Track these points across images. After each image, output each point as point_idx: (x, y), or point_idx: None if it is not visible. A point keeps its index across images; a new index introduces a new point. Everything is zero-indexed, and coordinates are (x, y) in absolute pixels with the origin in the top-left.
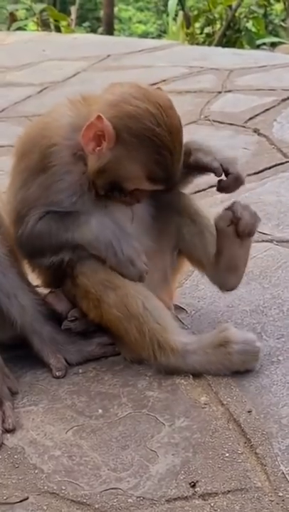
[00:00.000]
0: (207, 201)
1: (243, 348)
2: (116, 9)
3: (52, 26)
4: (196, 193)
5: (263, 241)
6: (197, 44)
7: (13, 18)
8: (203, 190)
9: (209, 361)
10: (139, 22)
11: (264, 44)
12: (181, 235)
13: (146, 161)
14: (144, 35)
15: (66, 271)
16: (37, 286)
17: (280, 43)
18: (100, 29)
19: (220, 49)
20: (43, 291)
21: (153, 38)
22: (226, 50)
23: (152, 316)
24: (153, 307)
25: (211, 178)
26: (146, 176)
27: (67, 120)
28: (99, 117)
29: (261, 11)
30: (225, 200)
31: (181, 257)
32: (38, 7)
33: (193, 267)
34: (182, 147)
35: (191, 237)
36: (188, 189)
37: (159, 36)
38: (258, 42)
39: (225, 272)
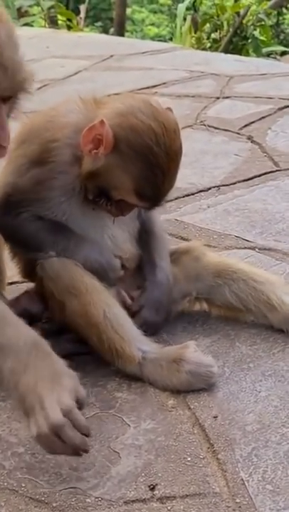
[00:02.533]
0: (194, 205)
1: (193, 369)
2: (129, 10)
3: (59, 24)
4: (184, 197)
5: (245, 248)
6: (203, 49)
7: (20, 13)
8: (192, 194)
9: (160, 374)
10: (152, 24)
11: (275, 53)
12: None
13: (137, 175)
14: (156, 37)
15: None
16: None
17: (285, 52)
18: (112, 29)
19: (222, 55)
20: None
21: (164, 41)
22: (228, 56)
23: (112, 325)
24: (114, 316)
25: (200, 183)
26: (134, 190)
27: (73, 119)
28: (102, 122)
29: (269, 20)
30: (211, 205)
31: None
32: (47, 4)
33: None
34: (177, 171)
35: None
36: (176, 192)
37: (171, 39)
38: (267, 50)
39: None
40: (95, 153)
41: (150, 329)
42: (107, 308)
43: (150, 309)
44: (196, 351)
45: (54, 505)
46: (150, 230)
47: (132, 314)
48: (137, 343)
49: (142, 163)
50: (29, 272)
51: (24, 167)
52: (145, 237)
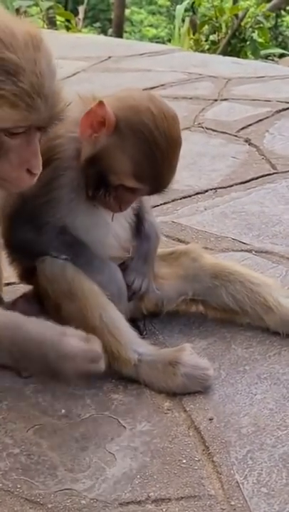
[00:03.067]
0: (191, 208)
1: (189, 372)
2: (128, 12)
3: (58, 24)
4: (181, 199)
5: (242, 250)
6: (202, 51)
7: (19, 14)
8: (189, 196)
9: (156, 377)
10: (150, 26)
11: (273, 55)
12: None
13: (136, 155)
14: (155, 39)
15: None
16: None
17: (284, 55)
18: (110, 30)
19: (220, 57)
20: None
21: (163, 42)
22: (227, 58)
23: (108, 328)
24: (110, 319)
25: (197, 186)
26: (133, 172)
27: (73, 113)
28: (100, 103)
29: (267, 22)
30: (208, 207)
31: None
32: (46, 4)
33: None
34: (177, 160)
35: None
36: (173, 194)
37: (169, 41)
38: (265, 52)
39: None
40: (96, 137)
41: (139, 279)
42: (103, 312)
43: (138, 259)
44: (192, 354)
45: (49, 506)
46: (142, 208)
47: (124, 268)
48: (133, 346)
49: (141, 142)
50: (27, 276)
51: None
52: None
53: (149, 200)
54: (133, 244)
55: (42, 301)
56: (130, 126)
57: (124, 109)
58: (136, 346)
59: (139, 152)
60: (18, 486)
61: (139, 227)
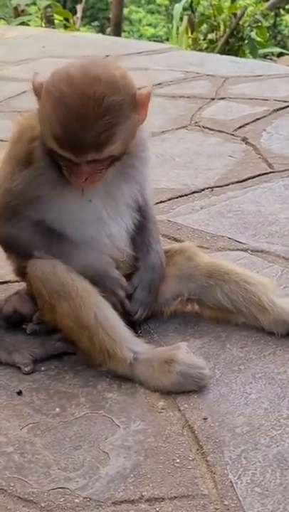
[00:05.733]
0: (188, 207)
1: (184, 371)
2: (127, 10)
3: (56, 23)
4: (178, 198)
5: (237, 249)
6: (200, 50)
7: (17, 12)
8: (185, 195)
9: (151, 375)
10: (149, 25)
11: (272, 54)
12: None
13: (51, 118)
14: (153, 38)
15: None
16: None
17: (282, 54)
18: (109, 29)
19: (218, 56)
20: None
21: (161, 41)
22: (224, 57)
23: (103, 327)
24: (104, 318)
25: (193, 184)
26: (52, 135)
27: None
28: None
29: (266, 21)
30: (204, 206)
31: None
32: (44, 3)
33: None
34: (98, 122)
35: None
36: (169, 193)
37: (167, 40)
38: (264, 52)
39: None
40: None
41: (142, 309)
42: (98, 310)
43: (143, 290)
44: (187, 353)
45: (42, 505)
46: (145, 214)
47: (127, 296)
48: (128, 344)
49: (52, 102)
50: (22, 272)
51: (16, 170)
52: (141, 220)
53: (157, 225)
54: (136, 267)
55: (36, 301)
56: (47, 90)
57: (50, 76)
58: (131, 345)
59: (52, 113)
60: (12, 485)
61: (145, 255)
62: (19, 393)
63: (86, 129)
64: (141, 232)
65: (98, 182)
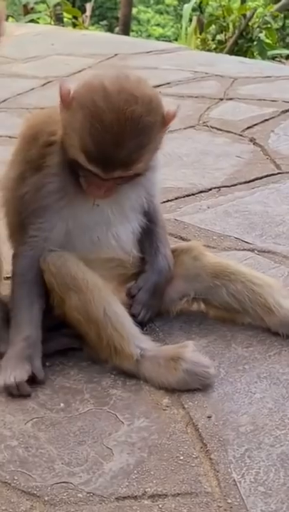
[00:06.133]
0: (195, 206)
1: (191, 368)
2: (135, 10)
3: (65, 21)
4: (185, 197)
5: (244, 249)
6: (208, 50)
7: (26, 10)
8: (192, 194)
9: (157, 372)
10: (157, 25)
11: (280, 56)
12: None
13: (82, 131)
14: (161, 38)
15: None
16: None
17: None
18: (117, 29)
19: (227, 56)
20: None
21: (169, 41)
22: (233, 57)
23: (111, 322)
24: (113, 313)
25: (200, 184)
26: (81, 148)
27: None
28: (61, 84)
29: (275, 23)
30: (211, 206)
31: None
32: (53, 1)
33: None
34: (131, 140)
35: None
36: (176, 192)
37: (176, 40)
38: (273, 53)
39: None
40: (61, 118)
41: (144, 311)
42: (107, 305)
43: (146, 292)
44: (194, 351)
45: (46, 498)
46: (154, 219)
47: (130, 297)
48: (136, 341)
49: (86, 116)
50: None
51: (27, 175)
52: (149, 225)
53: (165, 230)
54: (143, 271)
55: (46, 294)
56: (79, 101)
57: (82, 86)
58: (138, 342)
59: (85, 128)
60: (15, 478)
61: (152, 258)
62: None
63: (119, 148)
64: (149, 236)
65: (114, 194)
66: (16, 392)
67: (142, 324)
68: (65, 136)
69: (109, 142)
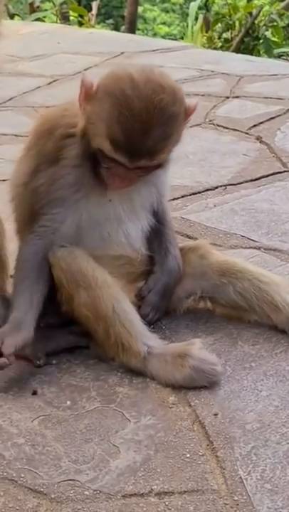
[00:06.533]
0: (201, 204)
1: (197, 365)
2: (141, 9)
3: (71, 20)
4: (191, 195)
5: (250, 247)
6: (214, 48)
7: (32, 8)
8: (199, 192)
9: (164, 369)
10: (163, 23)
11: (287, 54)
12: None
13: (110, 119)
14: (167, 36)
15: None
16: None
17: None
18: (123, 27)
19: (233, 54)
20: None
21: (175, 40)
22: (239, 56)
23: (120, 319)
24: (122, 311)
25: (207, 182)
26: (108, 138)
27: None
28: (84, 75)
29: (281, 21)
30: (218, 204)
31: None
32: None
33: None
34: (159, 129)
35: None
36: (183, 190)
37: (182, 39)
38: (279, 51)
39: None
40: (84, 109)
41: (153, 312)
42: (116, 303)
43: (156, 294)
44: (201, 348)
45: (52, 496)
46: (163, 220)
47: (140, 298)
48: (143, 338)
49: (114, 106)
50: None
51: (41, 168)
52: (158, 225)
53: (174, 231)
54: (152, 269)
55: (54, 290)
56: (106, 91)
57: (107, 77)
58: (146, 339)
59: (113, 116)
60: (22, 476)
61: (162, 259)
62: (34, 393)
63: (146, 136)
64: (158, 236)
65: (134, 185)
66: None
67: (149, 324)
68: (88, 127)
69: (137, 130)
